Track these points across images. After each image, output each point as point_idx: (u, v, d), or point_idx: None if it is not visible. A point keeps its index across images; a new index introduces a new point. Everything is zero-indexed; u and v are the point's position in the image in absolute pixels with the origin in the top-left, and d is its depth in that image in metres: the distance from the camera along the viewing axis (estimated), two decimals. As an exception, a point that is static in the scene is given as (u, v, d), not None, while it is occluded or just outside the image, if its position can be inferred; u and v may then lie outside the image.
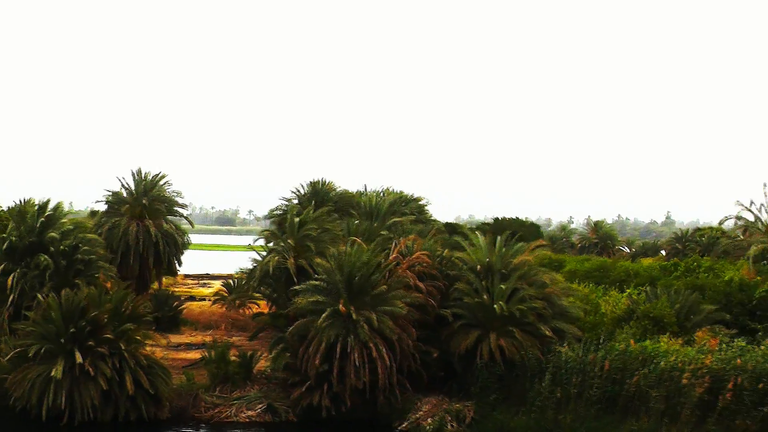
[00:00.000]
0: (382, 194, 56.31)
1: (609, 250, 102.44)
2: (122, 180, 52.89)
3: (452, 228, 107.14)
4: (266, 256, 41.38)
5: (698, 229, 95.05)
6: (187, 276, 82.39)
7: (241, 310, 53.77)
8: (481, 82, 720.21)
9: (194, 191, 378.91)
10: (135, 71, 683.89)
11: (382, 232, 46.52)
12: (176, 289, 70.58)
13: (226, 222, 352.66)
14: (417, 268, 37.79)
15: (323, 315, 34.71)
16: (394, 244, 39.68)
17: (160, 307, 51.73)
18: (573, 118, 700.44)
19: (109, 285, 38.19)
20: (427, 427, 34.97)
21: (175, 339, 48.48)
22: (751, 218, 41.58)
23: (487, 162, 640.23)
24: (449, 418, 35.31)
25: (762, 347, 34.67)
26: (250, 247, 46.46)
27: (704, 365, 32.91)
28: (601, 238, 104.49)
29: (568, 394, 34.34)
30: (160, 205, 52.44)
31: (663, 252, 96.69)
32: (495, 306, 36.09)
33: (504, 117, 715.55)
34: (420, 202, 59.63)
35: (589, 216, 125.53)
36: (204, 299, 60.81)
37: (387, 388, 35.63)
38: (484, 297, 36.56)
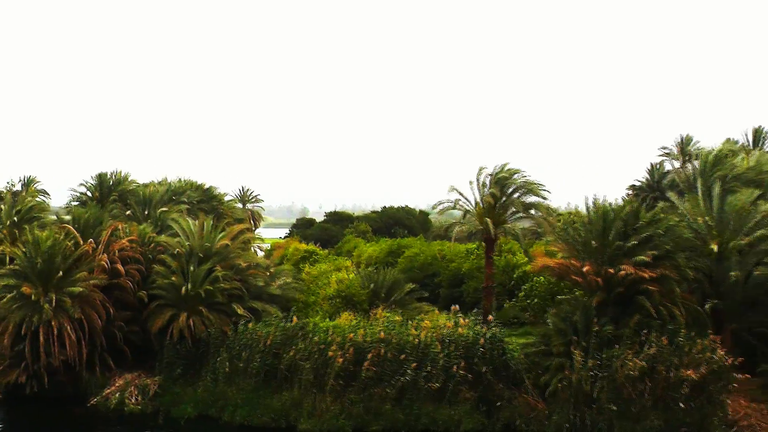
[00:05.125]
0: (172, 184, 58.38)
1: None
2: None
3: (338, 217, 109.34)
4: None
5: None
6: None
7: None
8: (389, 75, 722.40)
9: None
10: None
11: (147, 222, 48.69)
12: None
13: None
14: (121, 253, 40.02)
15: (7, 297, 37.01)
16: (110, 229, 41.76)
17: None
18: (501, 109, 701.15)
19: None
20: (113, 401, 37.28)
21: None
22: (463, 202, 43.69)
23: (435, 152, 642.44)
24: (135, 392, 37.60)
25: (423, 322, 36.94)
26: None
27: (349, 339, 35.19)
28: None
29: (236, 367, 36.62)
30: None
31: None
32: (186, 286, 38.40)
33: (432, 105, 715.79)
34: (213, 193, 61.51)
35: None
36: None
37: (81, 365, 37.85)
38: (173, 279, 38.81)
